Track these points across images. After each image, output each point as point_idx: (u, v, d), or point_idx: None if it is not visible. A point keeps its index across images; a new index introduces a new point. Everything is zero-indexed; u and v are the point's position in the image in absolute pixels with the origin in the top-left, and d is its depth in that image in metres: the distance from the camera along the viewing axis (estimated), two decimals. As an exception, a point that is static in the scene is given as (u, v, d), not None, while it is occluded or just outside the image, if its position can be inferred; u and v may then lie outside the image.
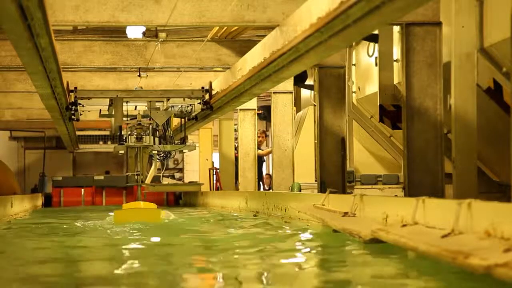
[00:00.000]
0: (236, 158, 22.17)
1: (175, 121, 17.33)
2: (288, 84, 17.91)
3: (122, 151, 15.10)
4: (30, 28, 7.96)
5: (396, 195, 13.16)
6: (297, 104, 22.77)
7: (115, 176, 27.26)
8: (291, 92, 18.45)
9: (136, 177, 14.43)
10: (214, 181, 24.94)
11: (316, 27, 8.53)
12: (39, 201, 24.49)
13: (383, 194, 15.98)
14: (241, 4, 10.58)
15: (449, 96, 11.30)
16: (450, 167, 11.15)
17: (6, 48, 14.35)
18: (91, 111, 17.09)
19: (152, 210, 12.61)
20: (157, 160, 16.17)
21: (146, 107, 15.17)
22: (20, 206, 18.20)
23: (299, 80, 19.05)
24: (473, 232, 5.29)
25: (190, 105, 15.41)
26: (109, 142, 28.50)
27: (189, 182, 25.08)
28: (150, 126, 14.72)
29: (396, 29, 13.90)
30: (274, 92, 18.17)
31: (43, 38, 8.64)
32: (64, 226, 12.41)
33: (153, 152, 15.30)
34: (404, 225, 6.67)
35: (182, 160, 27.71)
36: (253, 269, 6.49)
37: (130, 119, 14.92)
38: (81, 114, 15.40)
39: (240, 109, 19.98)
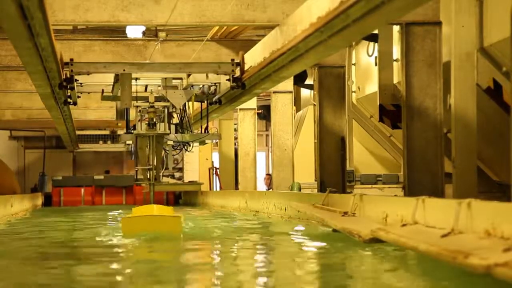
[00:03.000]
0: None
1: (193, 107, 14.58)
2: (288, 84, 17.91)
3: (130, 141, 12.72)
4: (30, 28, 7.96)
5: (396, 195, 13.16)
6: (297, 103, 22.78)
7: (115, 176, 27.27)
8: (291, 92, 18.45)
9: (148, 173, 11.72)
10: (217, 180, 24.95)
11: (316, 26, 8.54)
12: (39, 200, 24.50)
13: (383, 193, 15.99)
14: (241, 4, 10.59)
15: (449, 96, 11.30)
16: (450, 167, 11.16)
17: (6, 48, 14.36)
18: (91, 94, 14.85)
19: (170, 218, 10.00)
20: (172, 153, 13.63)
21: (161, 86, 12.41)
22: (20, 206, 18.20)
23: (299, 80, 19.05)
24: (473, 232, 5.29)
25: (215, 83, 12.86)
26: (109, 142, 28.52)
27: (189, 181, 25.07)
28: (166, 110, 11.92)
29: (396, 28, 13.90)
30: (274, 92, 18.17)
31: (43, 38, 8.64)
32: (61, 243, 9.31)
33: (169, 142, 12.77)
34: (404, 225, 6.67)
35: (182, 159, 27.71)
36: (252, 267, 6.49)
37: (141, 102, 12.22)
38: (79, 97, 12.86)
39: (240, 109, 19.97)
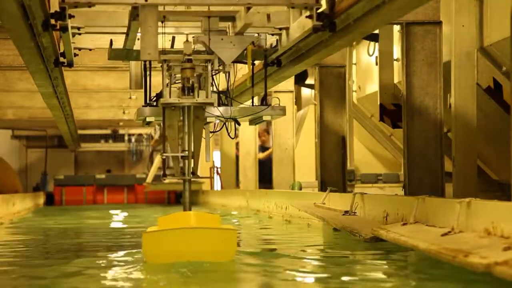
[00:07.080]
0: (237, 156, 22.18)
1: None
2: (288, 83, 17.92)
3: (153, 118, 7.92)
4: (31, 27, 7.98)
5: (396, 194, 13.17)
6: (298, 103, 22.79)
7: (116, 175, 27.31)
8: (291, 91, 18.46)
9: (181, 163, 7.54)
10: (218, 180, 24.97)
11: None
12: (41, 199, 24.54)
13: (384, 192, 16.02)
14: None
15: (449, 95, 11.33)
16: (450, 166, 11.18)
17: (8, 47, 14.37)
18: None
19: (219, 233, 6.21)
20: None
21: (201, 33, 7.69)
22: (22, 205, 18.23)
23: (300, 79, 19.07)
24: (473, 231, 5.32)
25: (280, 29, 8.26)
26: (110, 141, 28.58)
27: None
28: (209, 67, 7.67)
29: (396, 28, 13.92)
30: (275, 91, 18.18)
31: (44, 37, 8.66)
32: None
33: (208, 119, 8.07)
34: (404, 224, 6.70)
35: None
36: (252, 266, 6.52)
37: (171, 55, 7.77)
38: (76, 55, 8.98)
39: (241, 108, 19.92)
